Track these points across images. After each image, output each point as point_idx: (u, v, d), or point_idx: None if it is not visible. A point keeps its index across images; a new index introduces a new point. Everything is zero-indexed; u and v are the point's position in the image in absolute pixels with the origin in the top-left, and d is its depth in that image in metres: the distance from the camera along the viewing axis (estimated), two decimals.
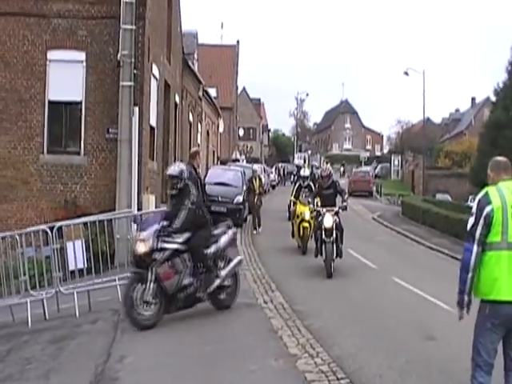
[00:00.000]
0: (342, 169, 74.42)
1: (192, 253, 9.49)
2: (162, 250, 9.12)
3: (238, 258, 10.55)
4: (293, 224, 18.24)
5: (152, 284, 8.93)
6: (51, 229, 10.72)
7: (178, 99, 25.26)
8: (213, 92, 46.52)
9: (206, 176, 23.73)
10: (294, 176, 28.06)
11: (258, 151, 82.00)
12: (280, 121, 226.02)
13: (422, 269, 16.70)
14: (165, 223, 9.38)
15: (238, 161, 46.25)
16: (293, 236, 18.23)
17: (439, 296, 11.23)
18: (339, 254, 14.17)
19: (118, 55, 15.94)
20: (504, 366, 5.46)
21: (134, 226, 11.42)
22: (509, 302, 5.20)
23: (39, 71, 17.05)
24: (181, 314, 9.59)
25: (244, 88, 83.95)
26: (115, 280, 10.71)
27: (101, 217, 11.81)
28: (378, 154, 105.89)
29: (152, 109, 19.11)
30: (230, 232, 10.32)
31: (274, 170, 58.46)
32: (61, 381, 7.13)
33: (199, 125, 34.05)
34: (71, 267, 10.90)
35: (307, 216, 16.74)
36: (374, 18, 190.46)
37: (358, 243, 19.05)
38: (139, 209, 15.87)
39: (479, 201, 5.39)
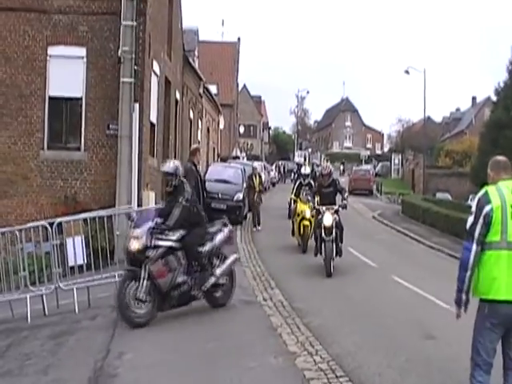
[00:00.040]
0: (341, 167, 74.43)
1: (186, 251, 9.42)
2: (156, 247, 9.04)
3: (234, 256, 10.43)
4: (293, 222, 18.14)
5: (145, 282, 8.87)
6: (51, 224, 10.70)
7: (178, 96, 25.24)
8: (213, 89, 46.54)
9: (206, 173, 23.75)
10: (295, 174, 28.06)
11: (258, 149, 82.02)
12: (280, 118, 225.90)
13: (422, 268, 16.69)
14: (159, 220, 9.31)
15: (239, 158, 46.28)
16: (293, 234, 18.15)
17: (439, 295, 11.23)
18: (339, 253, 14.09)
19: (119, 51, 15.92)
20: (503, 366, 5.45)
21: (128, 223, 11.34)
22: (508, 301, 5.19)
23: (40, 67, 17.03)
24: (180, 311, 9.59)
25: (245, 85, 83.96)
26: (115, 276, 10.68)
27: (101, 213, 11.82)
28: (378, 152, 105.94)
29: (152, 105, 19.10)
30: (226, 230, 10.22)
31: (274, 167, 58.50)
32: (60, 376, 7.12)
33: (199, 122, 34.04)
34: (71, 263, 10.90)
35: (308, 214, 16.65)
36: (375, 17, 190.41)
37: (358, 241, 19.04)
38: (139, 205, 15.86)
39: (479, 200, 5.39)
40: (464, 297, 5.42)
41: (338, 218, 14.17)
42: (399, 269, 15.34)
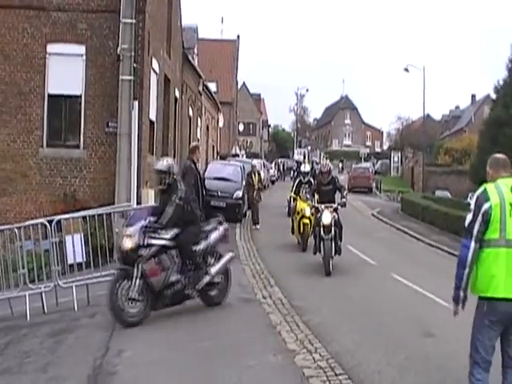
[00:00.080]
0: (340, 165, 74.37)
1: (180, 249, 9.35)
2: (149, 246, 8.97)
3: (230, 254, 10.30)
4: (293, 220, 18.11)
5: (138, 281, 8.80)
6: (50, 222, 10.69)
7: (177, 93, 25.23)
8: (213, 87, 46.48)
9: (205, 171, 23.76)
10: (294, 172, 28.04)
11: (257, 146, 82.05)
12: (280, 116, 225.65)
13: (421, 266, 16.71)
14: (152, 219, 9.25)
15: (238, 156, 46.27)
16: (293, 232, 18.12)
17: (438, 293, 11.25)
18: (338, 252, 14.02)
19: (118, 49, 15.89)
20: (502, 363, 5.46)
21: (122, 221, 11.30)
22: (506, 299, 5.20)
23: (39, 64, 17.01)
24: (179, 309, 9.59)
25: (244, 83, 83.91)
26: (114, 274, 10.67)
27: (100, 211, 11.80)
28: (377, 150, 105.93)
29: (152, 103, 19.09)
30: (221, 228, 10.14)
31: (273, 165, 58.51)
32: (59, 374, 7.12)
33: (199, 119, 34.02)
34: (70, 261, 10.89)
35: (308, 212, 16.52)
36: (375, 15, 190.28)
37: (357, 239, 19.04)
38: (138, 203, 15.86)
39: (477, 197, 5.40)
40: (462, 294, 5.43)
41: (336, 217, 14.09)
42: (398, 267, 15.35)
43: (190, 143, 23.72)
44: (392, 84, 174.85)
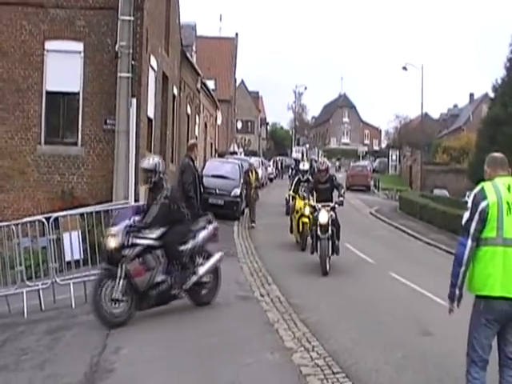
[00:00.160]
0: (337, 163, 74.33)
1: (166, 249, 9.22)
2: (133, 245, 8.84)
3: (219, 254, 10.13)
4: (291, 219, 18.00)
5: (121, 281, 8.67)
6: (48, 219, 10.67)
7: (176, 91, 25.19)
8: (211, 84, 46.48)
9: (203, 168, 23.75)
10: (292, 170, 28.02)
11: (255, 144, 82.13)
12: (278, 114, 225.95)
13: (419, 264, 16.72)
14: (137, 218, 9.14)
15: (236, 153, 46.25)
16: (291, 231, 18.02)
17: (436, 291, 11.25)
18: (336, 251, 13.87)
19: (116, 46, 15.87)
20: (499, 362, 5.47)
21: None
22: (503, 297, 5.21)
23: (37, 61, 16.96)
24: (177, 306, 9.58)
25: (242, 81, 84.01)
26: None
27: (98, 208, 11.76)
28: (376, 148, 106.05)
29: (150, 100, 19.06)
30: (211, 227, 9.99)
31: (271, 163, 58.55)
32: (56, 372, 7.11)
33: (197, 117, 33.99)
34: (67, 258, 10.87)
35: (307, 211, 16.11)
36: (373, 13, 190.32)
37: (355, 238, 19.04)
38: (136, 200, 15.82)
39: (475, 196, 5.40)
40: (457, 292, 5.44)
41: (334, 216, 13.92)
42: (396, 265, 15.35)
43: (188, 141, 23.68)
44: (390, 82, 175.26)
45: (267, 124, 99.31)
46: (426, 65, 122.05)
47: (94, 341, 8.08)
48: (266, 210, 25.47)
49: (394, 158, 73.64)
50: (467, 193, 33.93)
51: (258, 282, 12.08)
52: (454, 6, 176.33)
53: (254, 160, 34.61)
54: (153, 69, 19.48)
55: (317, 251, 13.76)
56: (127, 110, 15.88)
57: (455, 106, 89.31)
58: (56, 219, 10.85)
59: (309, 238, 15.72)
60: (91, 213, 11.37)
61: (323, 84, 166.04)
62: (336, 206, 14.13)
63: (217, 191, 22.23)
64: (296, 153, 59.77)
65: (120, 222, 9.09)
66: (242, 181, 23.27)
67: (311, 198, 14.64)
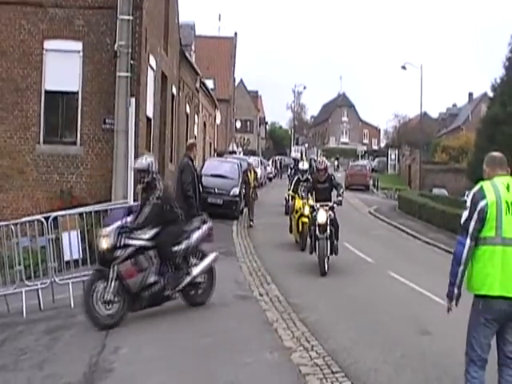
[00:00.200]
0: (336, 162, 74.25)
1: (159, 250, 9.14)
2: (126, 246, 8.77)
3: (214, 254, 10.04)
4: (291, 219, 17.94)
5: (113, 282, 8.62)
6: (47, 219, 10.67)
7: (174, 90, 25.18)
8: (210, 84, 46.46)
9: (202, 168, 23.75)
10: (291, 169, 28.02)
11: (254, 144, 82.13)
12: (277, 113, 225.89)
13: (418, 263, 16.73)
14: (129, 219, 9.06)
15: (235, 153, 46.26)
16: (291, 231, 17.97)
17: (434, 290, 11.25)
18: (334, 251, 13.77)
19: (115, 45, 15.86)
20: (498, 361, 5.46)
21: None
22: (502, 297, 5.21)
23: (36, 61, 16.96)
24: (176, 306, 9.58)
25: (241, 80, 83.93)
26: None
27: (97, 207, 11.76)
28: (375, 147, 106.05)
29: (149, 100, 19.05)
30: (205, 227, 9.93)
31: (270, 162, 58.59)
32: (55, 371, 7.10)
33: (196, 116, 33.98)
34: (66, 257, 10.87)
35: (306, 211, 15.81)
36: (373, 12, 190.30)
37: (354, 237, 19.05)
38: (135, 200, 15.80)
39: (474, 195, 5.40)
40: (456, 291, 5.44)
41: (332, 215, 13.83)
42: (395, 264, 15.36)
43: (187, 140, 23.66)
44: (389, 82, 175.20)
45: (266, 123, 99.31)
46: (425, 64, 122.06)
47: (93, 340, 8.08)
48: (265, 210, 25.48)
49: (393, 157, 73.63)
50: (466, 192, 33.89)
51: (257, 282, 12.08)
52: (453, 5, 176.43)
53: (253, 159, 34.63)
54: (152, 68, 19.47)
55: (315, 251, 13.68)
56: (126, 110, 15.88)
57: (454, 105, 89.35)
58: (55, 219, 10.85)
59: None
60: (90, 212, 11.37)
61: (322, 83, 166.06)
62: (335, 205, 14.03)
63: (216, 190, 22.25)
64: (295, 152, 59.79)
65: (112, 223, 9.01)
66: (240, 180, 23.27)
67: (310, 197, 14.58)
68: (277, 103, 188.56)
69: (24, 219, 11.33)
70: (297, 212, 17.10)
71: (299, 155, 37.92)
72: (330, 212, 13.82)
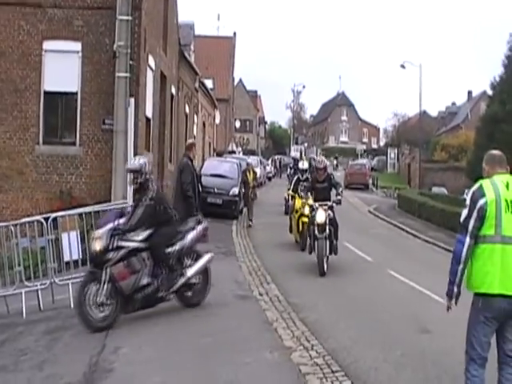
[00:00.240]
0: (335, 162, 74.19)
1: (152, 251, 9.06)
2: (118, 248, 8.70)
3: (208, 255, 9.94)
4: (291, 218, 17.85)
5: (106, 284, 8.55)
6: (46, 219, 10.66)
7: (174, 90, 25.17)
8: (209, 83, 46.44)
9: (201, 168, 23.77)
10: (291, 169, 28.02)
11: (254, 143, 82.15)
12: (276, 113, 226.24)
13: (418, 262, 16.74)
14: (121, 221, 8.97)
15: (235, 153, 46.27)
16: (291, 231, 17.89)
17: (434, 289, 11.25)
18: (334, 251, 13.70)
19: (114, 46, 15.85)
20: (498, 360, 5.47)
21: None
22: (502, 295, 5.21)
23: (35, 61, 16.95)
24: (176, 306, 9.58)
25: (240, 80, 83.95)
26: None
27: (96, 208, 11.74)
28: (374, 146, 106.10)
29: (148, 100, 19.04)
30: (200, 227, 9.83)
31: (270, 162, 58.62)
32: (55, 372, 7.10)
33: (195, 116, 33.97)
34: (66, 258, 10.85)
35: (306, 211, 15.63)
36: (372, 12, 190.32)
37: (353, 236, 19.06)
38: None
39: (473, 193, 5.40)
40: (455, 289, 5.44)
41: (332, 215, 13.72)
42: (395, 263, 15.36)
43: (186, 140, 23.64)
44: (388, 80, 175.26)
45: (265, 123, 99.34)
46: (424, 63, 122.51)
47: (93, 341, 8.07)
48: (264, 209, 25.49)
49: (392, 156, 73.67)
50: (466, 190, 33.87)
51: (257, 281, 12.08)
52: (452, 3, 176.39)
53: (252, 159, 34.65)
54: (151, 68, 19.46)
55: (314, 251, 13.61)
56: (125, 110, 15.87)
57: (453, 103, 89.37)
58: (54, 219, 10.84)
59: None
60: (90, 213, 11.35)
61: (321, 83, 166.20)
62: (334, 205, 13.94)
63: (215, 190, 22.25)
64: (294, 151, 59.83)
65: (104, 225, 8.94)
66: (240, 180, 23.27)
67: (310, 197, 14.50)
68: (276, 103, 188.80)
69: (23, 220, 11.32)
70: (297, 212, 17.00)
71: (298, 154, 37.96)
72: (329, 211, 13.71)
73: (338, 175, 46.49)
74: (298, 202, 17.09)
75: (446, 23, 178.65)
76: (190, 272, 9.51)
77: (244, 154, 50.35)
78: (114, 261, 8.69)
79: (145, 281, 8.97)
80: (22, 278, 10.52)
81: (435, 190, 43.81)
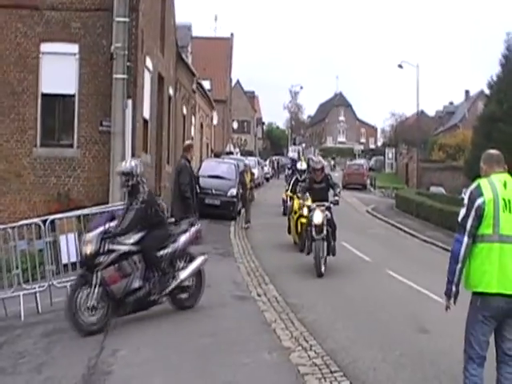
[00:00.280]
0: (332, 162, 74.11)
1: (143, 255, 9.01)
2: (109, 252, 8.65)
3: (202, 257, 9.86)
4: (289, 219, 17.74)
5: (97, 288, 8.50)
6: (44, 222, 10.65)
7: (171, 92, 25.17)
8: (207, 85, 46.44)
9: (199, 169, 23.77)
10: (289, 169, 28.05)
11: (252, 144, 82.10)
12: (274, 114, 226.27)
13: (416, 262, 16.75)
14: (112, 224, 8.90)
15: (232, 154, 46.27)
16: (289, 232, 17.79)
17: (433, 289, 11.26)
18: (332, 252, 13.63)
19: (112, 47, 15.82)
20: (496, 358, 5.47)
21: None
22: (500, 294, 5.21)
23: (32, 64, 16.93)
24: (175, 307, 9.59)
25: (238, 81, 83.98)
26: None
27: (94, 210, 11.74)
28: (372, 146, 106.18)
29: (145, 101, 19.03)
30: (193, 229, 9.76)
31: (268, 162, 58.64)
32: (53, 374, 7.09)
33: (193, 117, 33.97)
34: (64, 260, 10.84)
35: (305, 211, 15.36)
36: (369, 12, 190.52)
37: (352, 236, 19.06)
38: None
39: (471, 193, 5.41)
40: (454, 289, 5.45)
41: (329, 215, 13.62)
42: (393, 263, 15.37)
43: (183, 141, 23.65)
44: (386, 80, 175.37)
45: (263, 124, 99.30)
46: (421, 62, 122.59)
47: (91, 343, 8.06)
48: (262, 210, 25.48)
49: (390, 156, 73.68)
50: (463, 190, 33.98)
51: (255, 282, 12.08)
52: (450, 3, 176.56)
53: (250, 160, 34.63)
54: (148, 70, 19.46)
55: (312, 252, 13.50)
56: (123, 112, 15.84)
57: (451, 103, 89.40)
58: (52, 222, 10.84)
59: None
60: (87, 215, 11.34)
61: (319, 83, 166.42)
62: (331, 205, 13.85)
63: (213, 191, 22.24)
64: (292, 152, 59.91)
65: (95, 228, 8.87)
66: (238, 181, 23.27)
67: (306, 197, 14.42)
68: (274, 103, 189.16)
69: (21, 222, 11.29)
70: (295, 213, 16.89)
71: (296, 155, 37.98)
72: (327, 212, 13.60)
73: (336, 175, 46.53)
74: (297, 203, 16.96)
75: (443, 23, 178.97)
76: (182, 275, 9.45)
77: (242, 154, 50.33)
78: (105, 264, 8.64)
79: (136, 284, 8.92)
80: (20, 281, 10.50)
81: (433, 189, 43.84)
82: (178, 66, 27.27)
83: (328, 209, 13.73)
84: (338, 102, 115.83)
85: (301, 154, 56.47)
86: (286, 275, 13.39)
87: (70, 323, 8.54)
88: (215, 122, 47.58)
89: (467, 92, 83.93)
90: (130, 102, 16.23)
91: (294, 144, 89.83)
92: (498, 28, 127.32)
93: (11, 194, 16.74)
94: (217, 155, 40.82)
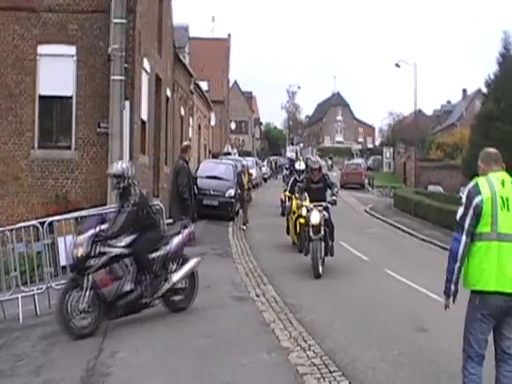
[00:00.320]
0: (329, 162, 73.97)
1: (135, 257, 8.96)
2: (100, 254, 8.60)
3: (195, 259, 9.79)
4: (288, 220, 17.73)
5: (88, 291, 8.46)
6: (42, 224, 10.63)
7: (169, 93, 25.16)
8: (204, 85, 46.47)
9: (197, 170, 23.77)
10: (287, 169, 28.04)
11: (249, 144, 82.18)
12: (272, 114, 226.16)
13: (414, 261, 16.76)
14: (103, 226, 8.86)
15: (230, 154, 46.28)
16: (288, 232, 17.77)
17: (431, 287, 11.28)
18: (330, 252, 13.56)
19: (109, 49, 15.80)
20: (495, 357, 5.47)
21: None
22: (498, 292, 5.22)
23: (29, 66, 16.92)
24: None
25: (235, 81, 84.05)
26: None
27: (92, 212, 11.73)
28: (369, 146, 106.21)
29: (143, 103, 19.01)
30: (186, 231, 9.70)
31: (265, 163, 58.66)
32: (52, 377, 7.08)
33: (191, 118, 33.96)
34: (62, 263, 10.82)
35: (304, 212, 15.08)
36: (366, 11, 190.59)
37: (350, 236, 19.05)
38: None
39: (469, 191, 5.42)
40: (453, 287, 5.45)
41: (327, 216, 13.55)
42: (392, 262, 15.37)
43: (181, 142, 23.64)
44: (383, 80, 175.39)
45: (261, 124, 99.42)
46: (418, 61, 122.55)
47: (90, 345, 8.06)
48: (260, 211, 25.50)
49: (387, 155, 73.69)
50: (461, 188, 34.00)
51: (254, 283, 12.08)
52: (446, 2, 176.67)
53: (248, 160, 34.65)
54: (146, 71, 19.44)
55: (310, 253, 13.40)
56: (120, 113, 15.81)
57: (448, 102, 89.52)
58: (50, 224, 10.81)
59: None
60: (86, 217, 11.32)
61: (316, 83, 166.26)
62: (329, 205, 13.79)
63: (211, 192, 22.25)
64: (290, 152, 59.92)
65: (86, 231, 8.82)
66: (236, 181, 23.27)
67: (304, 197, 14.33)
68: (271, 104, 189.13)
69: (19, 225, 11.27)
70: (294, 213, 16.81)
71: (294, 155, 37.98)
72: (325, 212, 13.53)
73: (334, 175, 46.55)
74: (295, 203, 16.84)
75: (441, 22, 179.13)
76: (175, 277, 9.40)
77: (240, 155, 50.36)
78: (96, 267, 8.60)
79: (128, 287, 8.89)
80: (18, 283, 10.48)
81: (431, 188, 43.86)
82: (176, 67, 27.27)
83: (326, 209, 13.67)
84: (336, 102, 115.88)
85: (299, 154, 56.46)
86: (285, 275, 13.39)
87: (60, 327, 8.50)
88: (213, 122, 47.58)
89: (465, 91, 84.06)
90: (127, 103, 16.23)
91: (292, 144, 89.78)
92: (495, 26, 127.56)
93: (9, 196, 16.73)
94: (215, 156, 40.81)
